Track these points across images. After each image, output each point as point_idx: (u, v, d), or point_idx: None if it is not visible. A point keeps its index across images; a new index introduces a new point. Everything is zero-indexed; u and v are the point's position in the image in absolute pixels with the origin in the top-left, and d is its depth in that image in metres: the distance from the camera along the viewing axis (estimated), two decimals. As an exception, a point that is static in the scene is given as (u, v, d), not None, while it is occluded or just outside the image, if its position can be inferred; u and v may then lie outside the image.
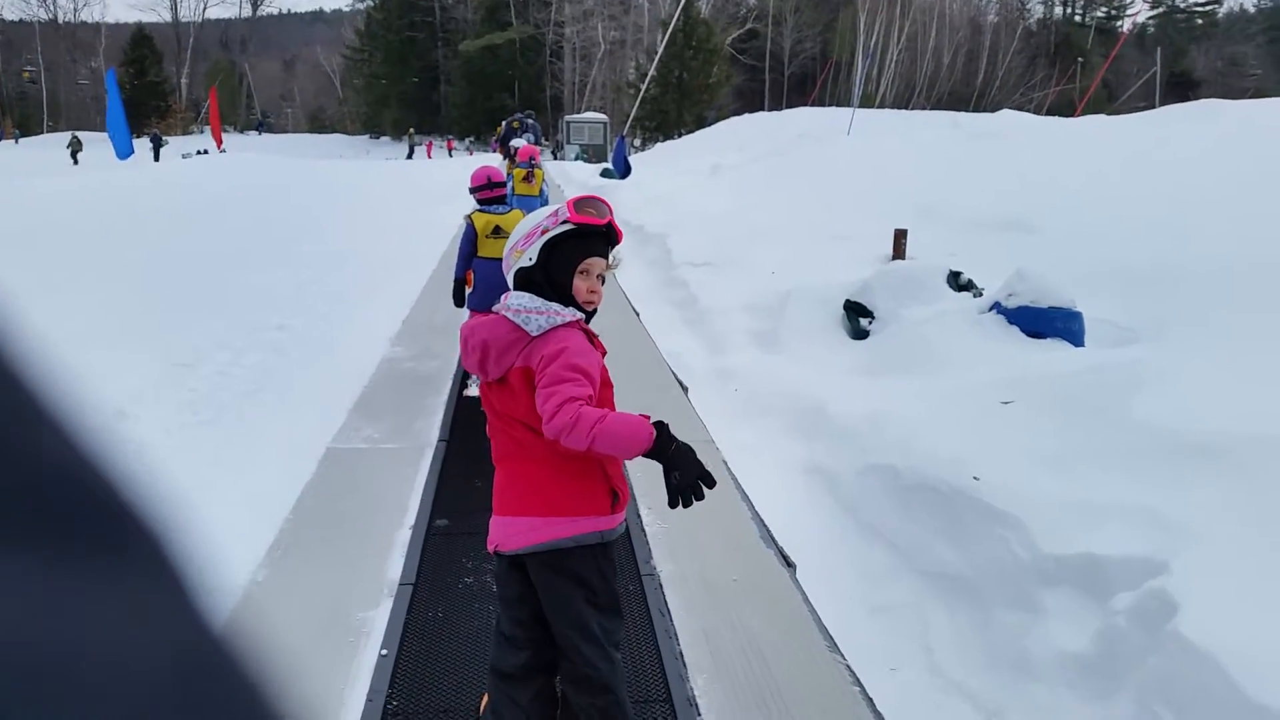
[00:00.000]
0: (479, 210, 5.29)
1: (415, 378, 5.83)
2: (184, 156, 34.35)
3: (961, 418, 4.40)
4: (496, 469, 2.11)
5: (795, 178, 14.50)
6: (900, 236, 8.91)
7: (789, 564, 3.47)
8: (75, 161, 35.44)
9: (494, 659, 2.15)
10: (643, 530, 3.70)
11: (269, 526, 3.48)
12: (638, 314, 8.16)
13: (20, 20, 68.41)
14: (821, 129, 26.02)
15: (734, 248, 10.21)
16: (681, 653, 2.89)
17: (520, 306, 2.04)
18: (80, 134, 43.56)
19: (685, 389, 5.78)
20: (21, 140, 55.04)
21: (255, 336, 6.88)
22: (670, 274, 10.25)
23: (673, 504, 1.97)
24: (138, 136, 49.20)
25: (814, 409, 5.46)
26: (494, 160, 21.50)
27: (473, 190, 5.38)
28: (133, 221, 12.21)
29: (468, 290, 5.31)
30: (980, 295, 7.06)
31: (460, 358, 2.18)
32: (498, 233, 5.08)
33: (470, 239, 5.17)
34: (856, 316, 7.00)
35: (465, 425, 4.82)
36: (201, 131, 53.84)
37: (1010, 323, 6.15)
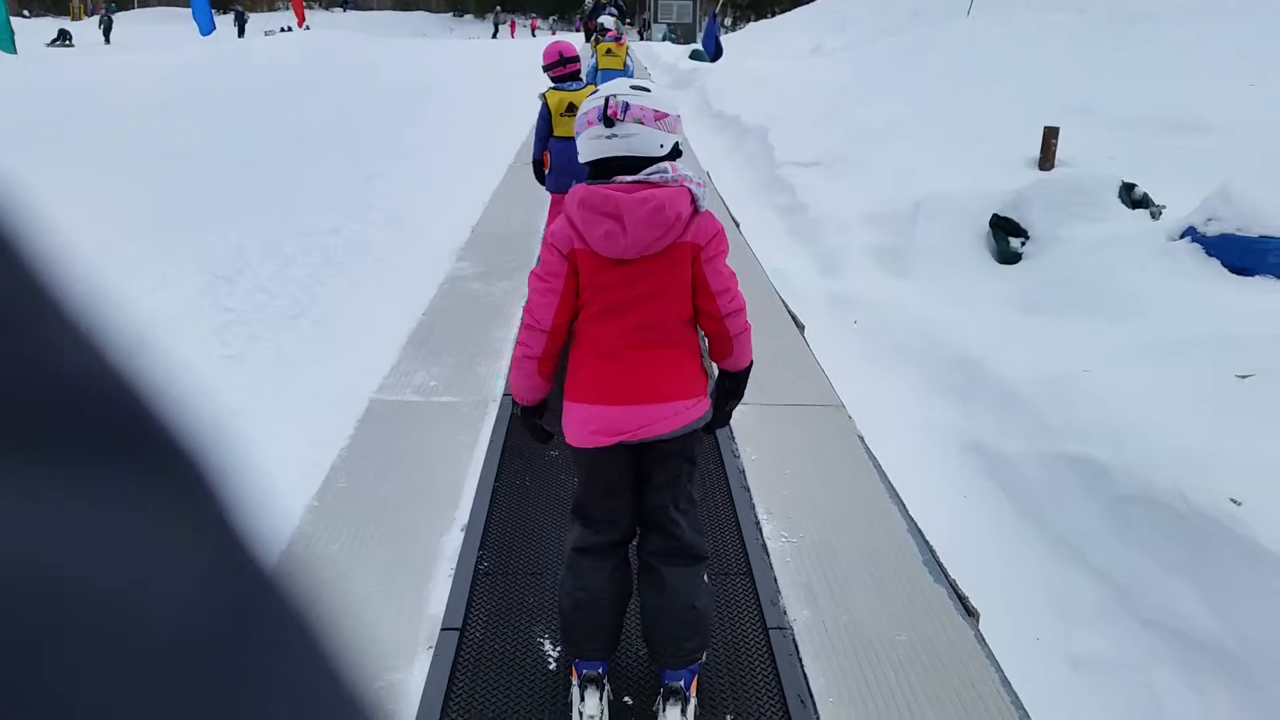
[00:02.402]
0: (553, 88, 5.07)
1: (482, 303, 4.95)
2: (266, 33, 33.67)
3: (1184, 394, 3.33)
4: (611, 360, 2.01)
5: (914, 64, 12.90)
6: (1050, 136, 7.57)
7: (970, 613, 2.54)
8: (107, 40, 34.93)
9: (578, 540, 2.15)
10: (765, 554, 2.80)
11: (281, 532, 2.68)
12: (737, 224, 7.10)
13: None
14: (936, 8, 23.69)
15: (848, 145, 8.95)
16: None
17: (696, 179, 2.02)
18: (118, 12, 43.32)
19: (801, 327, 4.78)
20: (115, 15, 55.02)
21: (306, 241, 6.07)
22: (773, 174, 9.08)
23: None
24: (222, 13, 48.77)
25: (964, 359, 4.42)
26: (576, 39, 20.16)
27: (545, 68, 5.17)
28: (202, 100, 11.46)
29: (545, 171, 5.16)
30: (1159, 215, 5.81)
31: (578, 227, 1.97)
32: (572, 110, 4.82)
33: (545, 118, 5.01)
34: (1005, 235, 5.83)
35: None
36: (285, 7, 52.77)
37: (1209, 254, 4.95)
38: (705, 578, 2.17)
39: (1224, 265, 4.87)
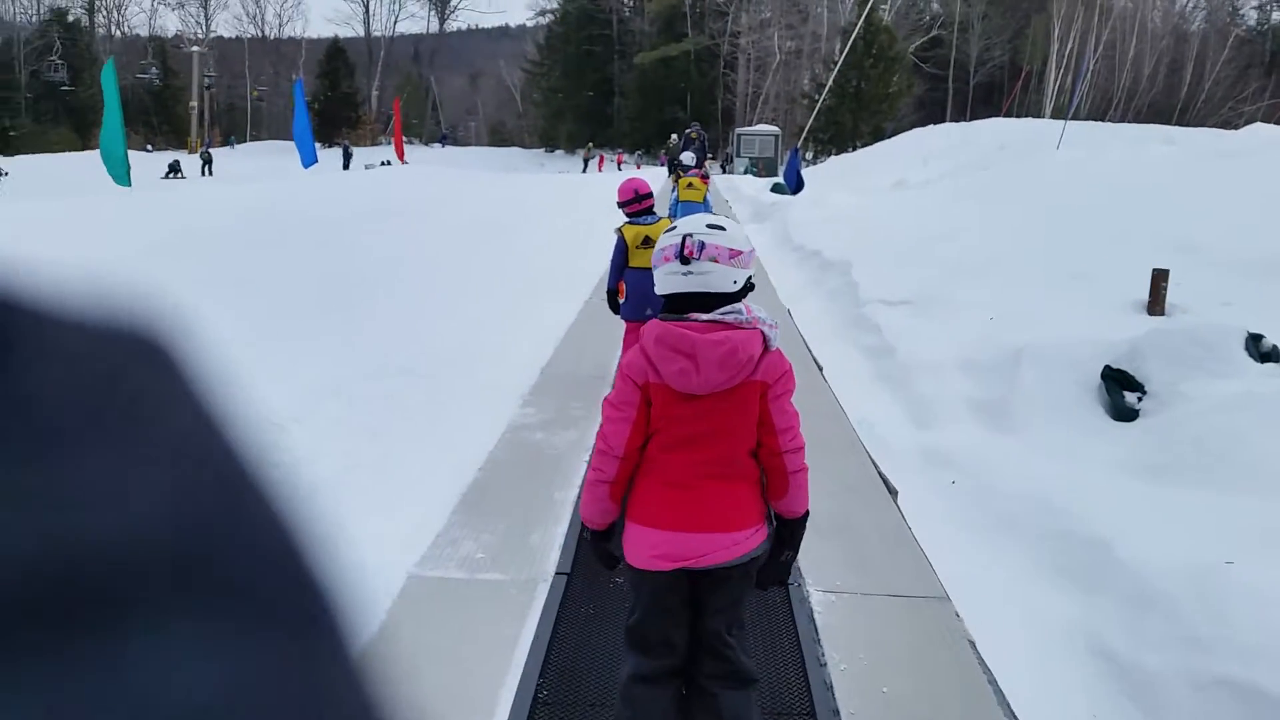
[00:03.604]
0: (628, 223, 5.39)
1: (544, 456, 4.63)
2: (367, 167, 35.44)
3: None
4: (679, 488, 2.08)
5: (1002, 199, 12.55)
6: (1160, 279, 7.07)
7: None
8: (203, 173, 37.14)
9: (636, 668, 2.17)
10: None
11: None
12: (820, 367, 6.71)
13: (235, 37, 73.71)
14: (1021, 142, 23.56)
15: (936, 283, 8.56)
16: None
17: (769, 320, 2.11)
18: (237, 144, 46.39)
19: (894, 493, 4.31)
20: (237, 146, 59.19)
21: (373, 385, 5.89)
22: (857, 312, 8.72)
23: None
24: (327, 147, 51.86)
25: (1086, 538, 3.87)
26: (661, 173, 20.50)
27: (621, 205, 5.48)
28: (283, 231, 11.77)
29: (620, 300, 5.46)
30: (1296, 368, 5.22)
31: (653, 361, 2.06)
32: (647, 243, 5.13)
33: (622, 250, 5.32)
34: (1120, 390, 5.30)
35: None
36: (388, 143, 55.90)
37: (1363, 417, 4.36)
38: (756, 703, 2.21)
39: (1382, 432, 4.28)
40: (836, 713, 2.66)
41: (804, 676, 2.82)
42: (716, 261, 2.06)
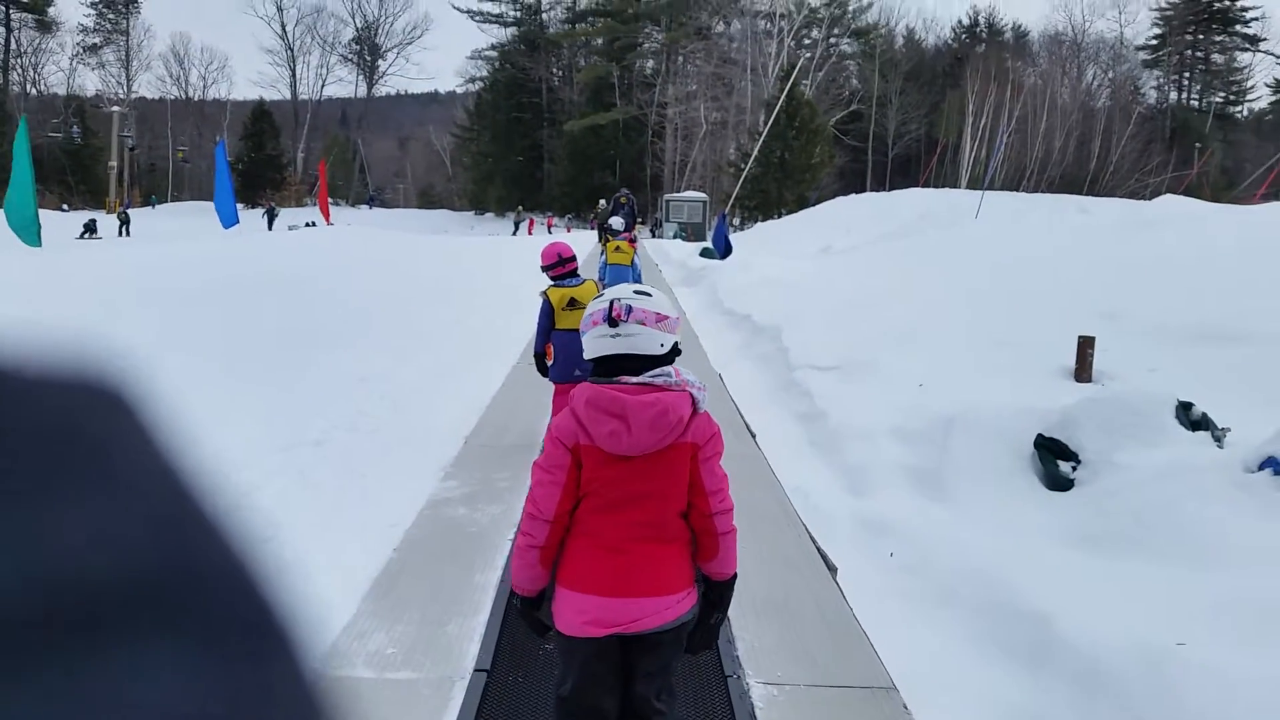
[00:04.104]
0: (553, 286, 5.39)
1: (465, 535, 4.33)
2: (290, 228, 34.70)
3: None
4: (611, 552, 2.06)
5: (926, 266, 12.78)
6: (1086, 346, 7.15)
7: None
8: (121, 234, 35.87)
9: None
10: None
11: None
12: (753, 434, 6.57)
13: (158, 97, 72.38)
14: (942, 211, 24.31)
15: (866, 349, 8.56)
16: None
17: (698, 383, 2.13)
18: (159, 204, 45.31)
19: (834, 570, 4.14)
20: (159, 206, 57.79)
21: (285, 457, 5.54)
22: (789, 377, 8.65)
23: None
24: (250, 207, 50.80)
25: (1029, 614, 3.74)
26: (589, 237, 20.49)
27: (545, 269, 5.48)
28: (201, 293, 11.30)
29: (549, 363, 5.42)
30: (1222, 439, 5.25)
31: (584, 424, 2.05)
32: (573, 304, 5.19)
33: (547, 313, 5.31)
34: (1054, 459, 5.26)
35: (521, 639, 3.28)
36: (313, 203, 55.14)
37: (1294, 487, 4.35)
38: None
39: (1313, 501, 4.27)
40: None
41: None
42: (644, 324, 2.09)
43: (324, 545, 4.08)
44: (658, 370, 2.09)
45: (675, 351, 2.15)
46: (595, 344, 2.14)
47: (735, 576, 2.18)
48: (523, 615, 2.21)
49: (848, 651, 3.32)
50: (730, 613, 3.65)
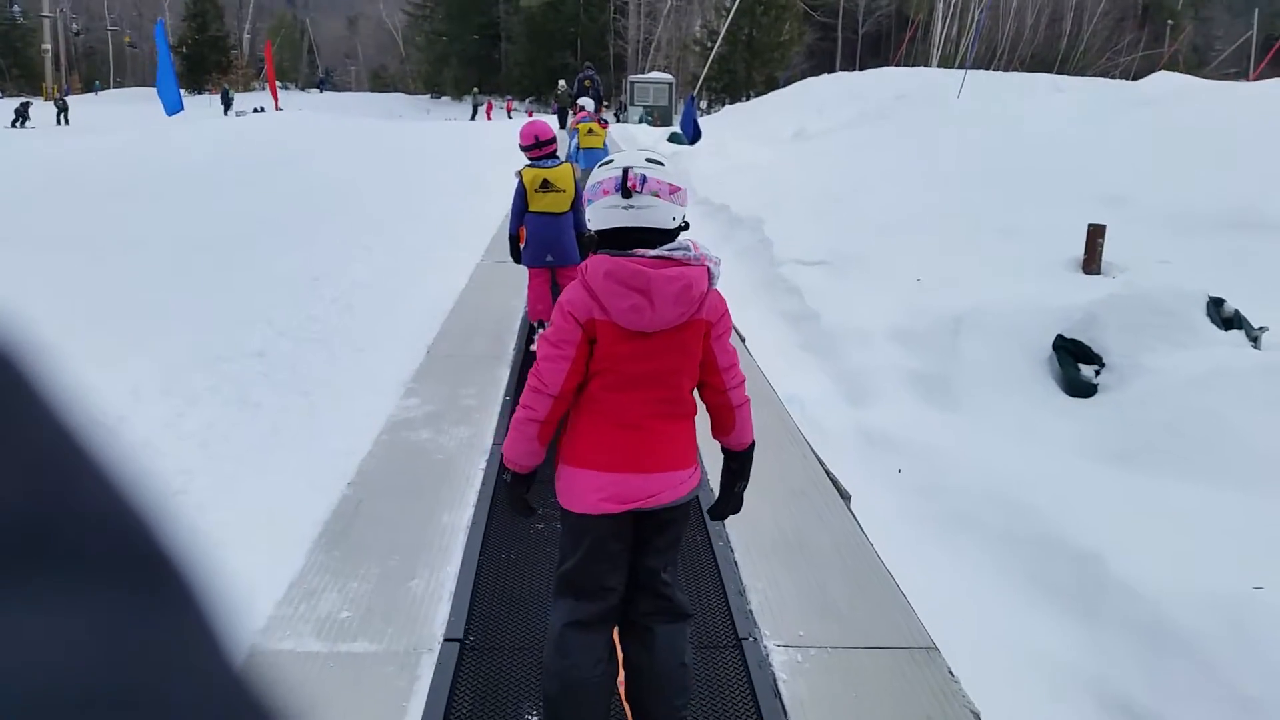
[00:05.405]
0: (529, 165, 5.20)
1: (430, 463, 3.81)
2: (238, 114, 32.96)
3: None
4: (628, 429, 2.00)
5: (910, 149, 12.09)
6: (1096, 235, 6.65)
7: None
8: (59, 122, 33.73)
9: (571, 614, 2.07)
10: None
11: None
12: (743, 337, 6.05)
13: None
14: (917, 90, 23.31)
15: (855, 241, 8.00)
16: None
17: (715, 257, 2.05)
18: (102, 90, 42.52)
19: (848, 498, 3.68)
20: (102, 93, 54.56)
21: (221, 370, 4.93)
22: (774, 272, 8.10)
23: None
24: (196, 93, 48.22)
25: (1072, 551, 3.32)
26: (552, 120, 19.49)
27: (523, 149, 5.29)
28: (143, 185, 10.40)
29: (521, 246, 5.26)
30: (1259, 338, 4.82)
31: (600, 298, 1.94)
32: (546, 186, 5.08)
33: (521, 194, 5.16)
34: (1074, 362, 4.81)
35: (498, 601, 2.79)
36: (263, 88, 52.40)
37: (1347, 393, 3.95)
38: (690, 637, 2.18)
39: (1368, 409, 3.87)
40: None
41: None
42: (658, 196, 1.98)
43: (262, 481, 3.54)
44: (675, 243, 1.99)
45: (684, 225, 2.04)
46: (605, 214, 2.00)
47: (754, 444, 2.17)
48: (510, 493, 2.13)
49: (876, 601, 2.88)
50: (737, 557, 3.23)
